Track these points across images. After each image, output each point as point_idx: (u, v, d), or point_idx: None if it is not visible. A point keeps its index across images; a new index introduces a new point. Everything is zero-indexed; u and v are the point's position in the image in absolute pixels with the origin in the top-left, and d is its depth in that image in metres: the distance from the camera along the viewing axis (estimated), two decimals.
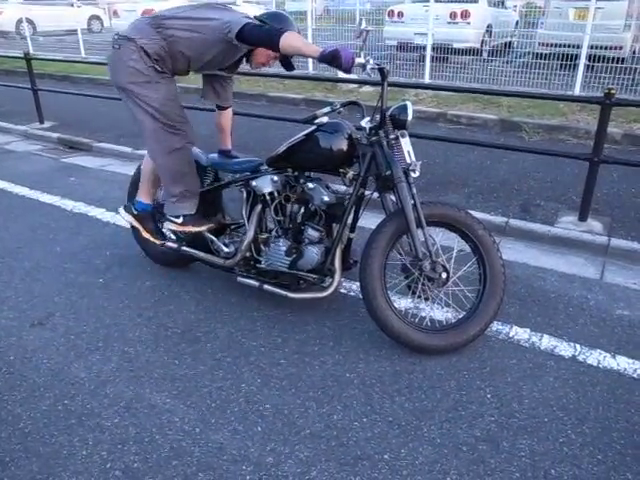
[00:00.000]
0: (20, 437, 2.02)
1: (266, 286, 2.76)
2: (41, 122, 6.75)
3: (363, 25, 2.37)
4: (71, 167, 5.35)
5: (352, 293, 2.92)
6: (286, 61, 2.66)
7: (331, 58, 2.19)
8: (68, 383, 2.30)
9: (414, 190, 2.40)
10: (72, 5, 14.48)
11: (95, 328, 2.68)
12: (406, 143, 2.42)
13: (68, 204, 4.27)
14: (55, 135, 6.24)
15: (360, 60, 2.29)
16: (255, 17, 2.61)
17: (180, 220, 2.79)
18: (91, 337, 2.61)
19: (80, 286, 3.07)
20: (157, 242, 2.98)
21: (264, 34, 2.30)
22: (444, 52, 8.14)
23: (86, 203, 4.27)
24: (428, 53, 7.94)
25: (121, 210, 3.02)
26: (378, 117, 2.46)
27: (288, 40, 2.23)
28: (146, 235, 2.96)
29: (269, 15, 2.63)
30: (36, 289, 3.03)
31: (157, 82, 2.51)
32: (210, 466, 1.89)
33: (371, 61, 2.33)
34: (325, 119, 2.52)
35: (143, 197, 2.95)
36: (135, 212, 2.96)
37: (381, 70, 2.40)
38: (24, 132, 6.56)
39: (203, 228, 2.84)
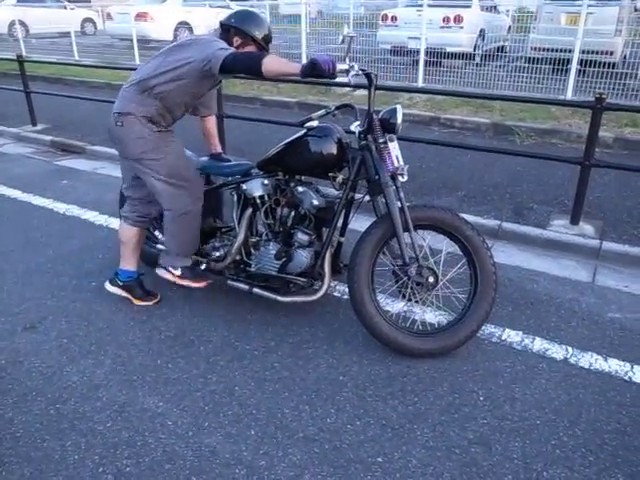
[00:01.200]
0: (11, 441, 2.00)
1: (256, 289, 2.75)
2: (34, 125, 6.72)
3: (346, 31, 2.37)
4: (64, 170, 5.33)
5: (345, 297, 2.92)
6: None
7: (311, 69, 2.18)
8: (60, 387, 2.28)
9: (402, 194, 2.41)
10: (65, 8, 14.48)
11: (88, 332, 2.67)
12: (394, 147, 2.42)
13: (61, 207, 4.25)
14: (48, 138, 6.22)
15: (343, 66, 2.28)
16: (220, 22, 2.61)
17: (178, 272, 2.76)
18: (83, 341, 2.60)
19: (72, 289, 3.05)
20: (151, 303, 2.89)
21: (245, 64, 2.29)
22: (437, 56, 8.18)
23: (79, 206, 4.26)
24: (422, 57, 7.98)
25: (107, 285, 2.94)
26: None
27: (269, 66, 2.23)
28: (138, 302, 2.89)
29: (237, 16, 2.59)
30: (28, 292, 3.01)
31: (165, 146, 2.57)
32: (203, 470, 1.89)
33: (356, 67, 2.32)
34: (315, 123, 2.53)
35: (127, 265, 2.89)
36: (120, 283, 2.90)
37: (368, 75, 2.41)
38: (16, 134, 6.53)
39: (201, 284, 2.79)
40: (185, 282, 2.78)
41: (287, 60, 2.34)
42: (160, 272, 2.82)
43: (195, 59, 2.38)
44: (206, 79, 2.47)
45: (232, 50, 2.36)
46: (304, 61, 2.31)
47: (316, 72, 2.18)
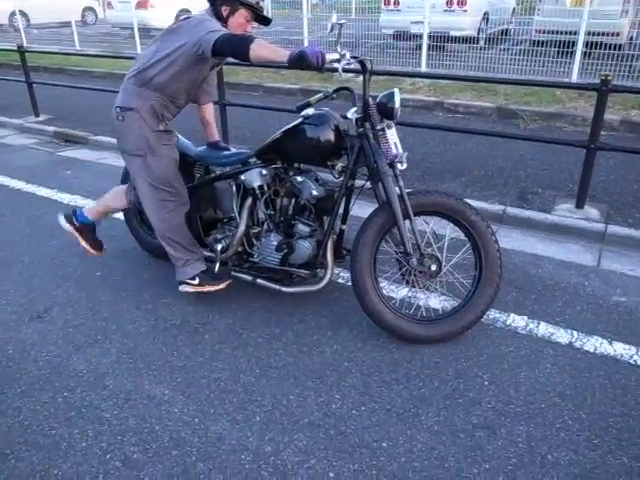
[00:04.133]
0: (20, 430, 2.03)
1: (259, 280, 2.75)
2: (36, 115, 6.72)
3: (334, 19, 2.30)
4: (67, 160, 5.33)
5: (349, 283, 2.91)
6: (261, 17, 2.58)
7: (298, 60, 2.10)
8: (67, 376, 2.31)
9: (401, 182, 2.38)
10: None
11: (93, 321, 2.69)
12: (392, 134, 2.37)
13: (65, 197, 4.26)
14: (51, 128, 6.22)
15: (334, 56, 2.23)
16: (208, 0, 2.53)
17: (196, 281, 2.74)
18: (89, 330, 2.62)
19: (78, 279, 3.07)
20: (96, 254, 3.02)
21: (233, 48, 2.23)
22: (441, 40, 8.10)
23: (83, 196, 4.26)
24: (425, 42, 7.90)
25: (61, 218, 3.00)
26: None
27: (257, 51, 2.17)
28: (85, 246, 2.99)
29: None
30: (34, 283, 3.03)
31: (160, 149, 2.55)
32: (209, 456, 1.90)
33: (347, 55, 2.27)
34: (311, 111, 2.48)
35: (91, 214, 2.97)
36: (76, 223, 2.97)
37: (361, 62, 2.36)
38: (19, 125, 6.53)
39: (222, 286, 2.76)
40: (207, 288, 2.74)
41: (276, 47, 2.25)
42: (182, 288, 2.79)
43: (187, 44, 2.34)
44: (200, 63, 2.43)
45: (223, 32, 2.28)
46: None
47: (305, 64, 2.09)
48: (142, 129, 2.50)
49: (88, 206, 3.03)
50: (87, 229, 3.01)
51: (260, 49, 2.18)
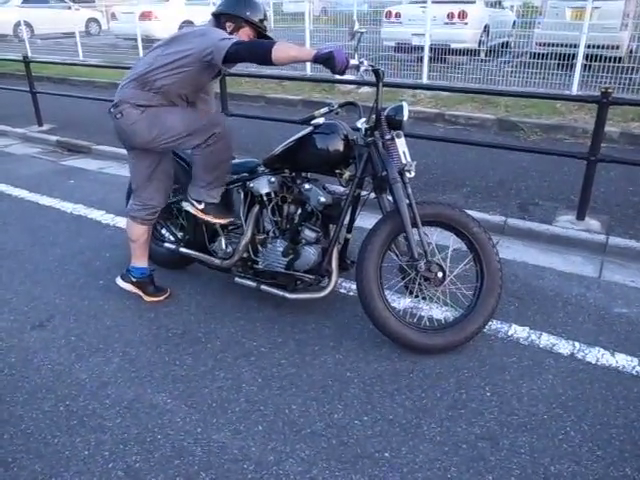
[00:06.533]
0: (22, 438, 2.02)
1: (263, 287, 2.77)
2: (40, 125, 6.76)
3: (356, 26, 2.38)
4: (70, 170, 5.36)
5: (352, 293, 2.93)
6: (263, 36, 2.61)
7: (325, 60, 2.19)
8: (70, 384, 2.30)
9: (409, 190, 2.42)
10: (70, 8, 14.53)
11: (96, 329, 2.69)
12: (401, 144, 2.42)
13: (68, 206, 4.28)
14: (54, 138, 6.25)
15: (354, 62, 2.31)
16: (212, 13, 2.57)
17: (202, 206, 2.73)
18: (92, 338, 2.62)
19: (80, 288, 3.07)
20: (162, 299, 2.92)
21: (252, 53, 2.25)
22: (442, 53, 8.16)
23: (86, 205, 4.28)
24: (426, 54, 7.96)
25: (119, 280, 2.97)
26: (374, 118, 2.47)
27: (279, 52, 2.19)
28: (149, 299, 2.91)
29: (225, 1, 2.55)
30: (36, 291, 3.04)
31: (165, 112, 2.51)
32: (212, 465, 1.90)
33: (365, 62, 2.35)
34: (321, 120, 2.54)
35: (139, 263, 2.91)
36: (134, 279, 2.93)
37: (376, 72, 2.42)
38: (23, 135, 6.57)
39: (222, 221, 2.78)
40: (207, 217, 2.75)
41: (298, 46, 2.32)
42: (185, 205, 2.80)
43: (195, 50, 2.34)
44: (207, 70, 2.43)
45: (235, 39, 2.31)
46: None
47: (329, 65, 2.18)
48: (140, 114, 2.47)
49: (133, 259, 2.93)
50: (146, 282, 2.93)
51: (283, 49, 2.21)
